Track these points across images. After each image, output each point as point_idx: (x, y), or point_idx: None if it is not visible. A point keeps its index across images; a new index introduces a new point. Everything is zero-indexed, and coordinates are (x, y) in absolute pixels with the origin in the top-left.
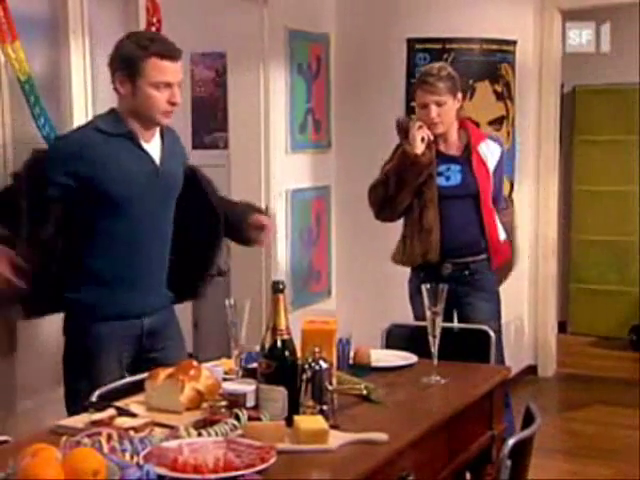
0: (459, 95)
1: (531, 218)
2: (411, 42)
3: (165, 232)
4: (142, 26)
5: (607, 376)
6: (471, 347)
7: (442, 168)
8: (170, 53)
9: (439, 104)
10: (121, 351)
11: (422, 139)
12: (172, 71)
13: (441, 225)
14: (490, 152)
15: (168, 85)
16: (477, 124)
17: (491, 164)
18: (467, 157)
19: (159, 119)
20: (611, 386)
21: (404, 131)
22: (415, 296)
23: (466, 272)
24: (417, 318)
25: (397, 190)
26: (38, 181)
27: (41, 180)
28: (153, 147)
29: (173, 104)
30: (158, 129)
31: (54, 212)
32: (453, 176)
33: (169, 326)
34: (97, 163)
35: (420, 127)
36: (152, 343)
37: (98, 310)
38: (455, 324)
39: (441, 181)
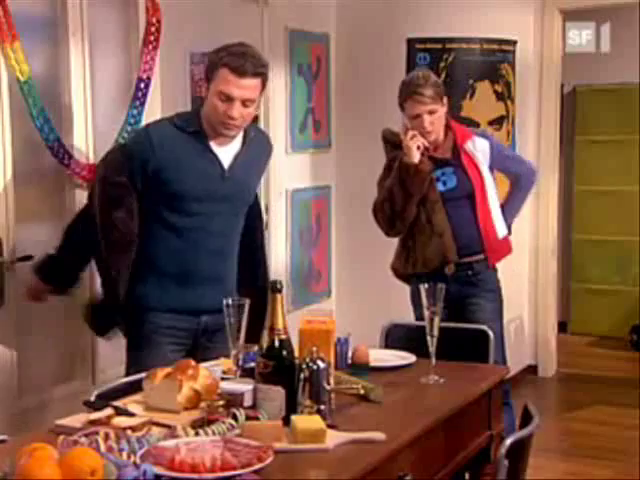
0: (445, 99)
1: (531, 218)
2: (411, 42)
3: (229, 237)
4: (142, 27)
5: (607, 376)
6: (470, 347)
7: (437, 173)
8: (240, 68)
9: (431, 113)
10: (176, 343)
11: (417, 147)
12: (238, 86)
13: None
14: (478, 149)
15: (230, 98)
16: (477, 124)
17: (483, 160)
18: (457, 158)
19: (218, 129)
20: (611, 386)
21: (391, 143)
22: (417, 297)
23: (469, 272)
24: (418, 319)
25: (404, 203)
26: (115, 170)
27: (117, 169)
28: (226, 151)
29: (230, 118)
30: (241, 135)
31: (128, 199)
32: (449, 180)
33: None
34: (166, 157)
35: (413, 136)
36: (207, 340)
37: (152, 301)
38: (455, 324)
39: (439, 186)
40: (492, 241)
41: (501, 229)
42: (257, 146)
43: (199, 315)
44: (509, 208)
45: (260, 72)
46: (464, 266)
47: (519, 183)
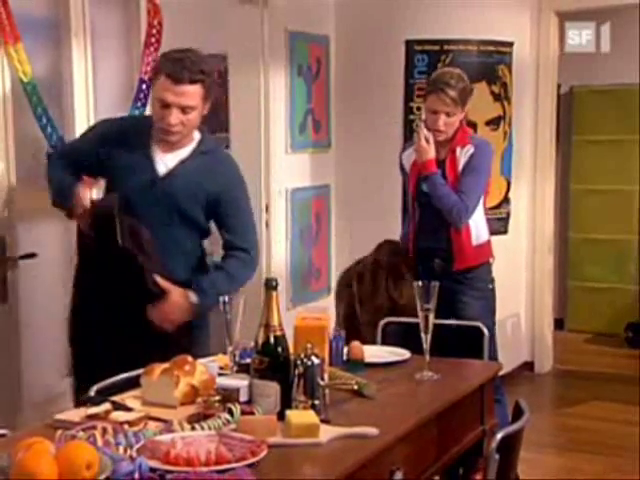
0: (466, 107)
1: (528, 216)
2: (410, 43)
3: (178, 254)
4: (143, 28)
5: (603, 372)
6: (464, 344)
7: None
8: (175, 75)
9: (449, 115)
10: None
11: (427, 140)
12: (174, 92)
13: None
14: (464, 155)
15: (167, 105)
16: (474, 125)
17: (460, 166)
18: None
19: (159, 134)
20: (607, 382)
21: None
22: None
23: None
24: None
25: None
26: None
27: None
28: (168, 158)
29: (168, 124)
30: (192, 146)
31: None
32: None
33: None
34: (106, 154)
35: (426, 138)
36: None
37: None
38: (450, 321)
39: (424, 187)
40: (462, 246)
41: (480, 235)
42: (209, 162)
43: None
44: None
45: (198, 79)
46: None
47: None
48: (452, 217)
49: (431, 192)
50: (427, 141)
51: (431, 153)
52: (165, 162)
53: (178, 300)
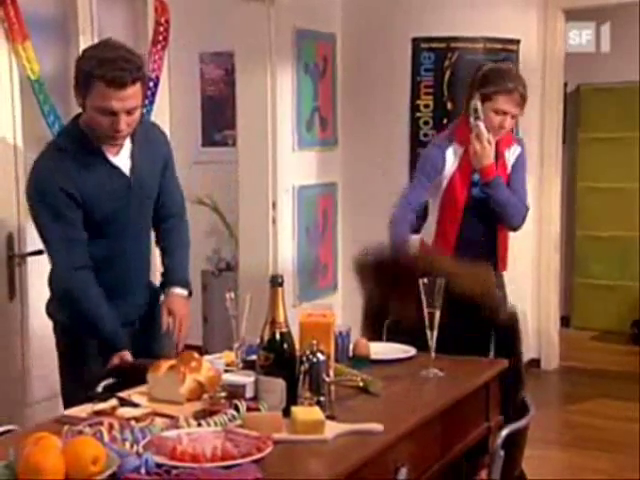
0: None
1: (534, 214)
2: (416, 41)
3: (145, 236)
4: (150, 26)
5: (609, 370)
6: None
7: (476, 177)
8: (117, 80)
9: (514, 116)
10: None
11: (489, 142)
12: (118, 99)
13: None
14: (512, 154)
15: (113, 113)
16: None
17: (509, 166)
18: (495, 162)
19: (106, 141)
20: (613, 379)
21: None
22: None
23: None
24: None
25: None
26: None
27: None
28: (122, 158)
29: (117, 131)
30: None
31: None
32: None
33: (157, 317)
34: (77, 186)
35: (478, 136)
36: (145, 340)
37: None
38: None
39: (475, 191)
40: (505, 249)
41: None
42: (146, 135)
43: (133, 323)
44: None
45: (138, 76)
46: None
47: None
48: (514, 220)
49: (495, 197)
50: (489, 143)
51: (492, 156)
52: (124, 162)
53: (181, 309)
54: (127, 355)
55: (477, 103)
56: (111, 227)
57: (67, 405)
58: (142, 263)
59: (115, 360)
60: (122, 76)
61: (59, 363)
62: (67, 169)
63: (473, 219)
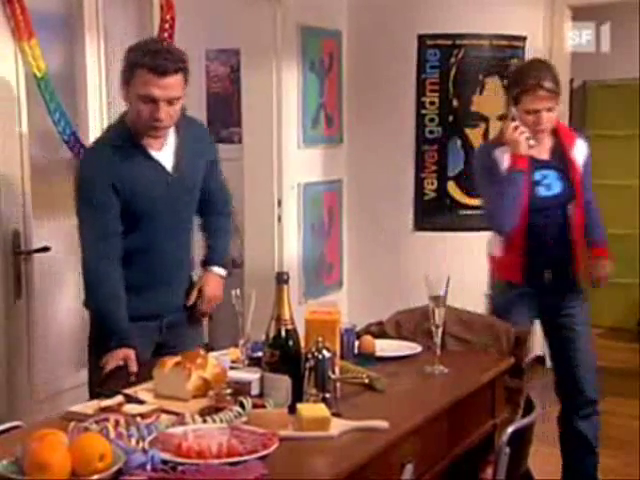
0: (561, 92)
1: None
2: (422, 38)
3: (185, 233)
4: (156, 24)
5: (615, 367)
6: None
7: (538, 176)
8: (159, 67)
9: (550, 110)
10: (141, 346)
11: (526, 139)
12: (159, 86)
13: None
14: (580, 152)
15: (154, 100)
16: (487, 119)
17: (580, 165)
18: (560, 161)
19: (147, 132)
20: (618, 377)
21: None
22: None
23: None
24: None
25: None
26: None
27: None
28: (165, 154)
29: (157, 120)
30: (172, 131)
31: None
32: (553, 184)
33: (185, 323)
34: (120, 179)
35: (516, 128)
36: (169, 339)
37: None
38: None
39: (540, 191)
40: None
41: None
42: (192, 134)
43: (161, 318)
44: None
45: (180, 67)
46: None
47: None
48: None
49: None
50: (528, 140)
51: (525, 147)
52: (168, 158)
53: (215, 288)
54: (131, 354)
55: (512, 108)
56: (149, 221)
57: (92, 397)
58: (180, 258)
59: (120, 355)
60: (164, 64)
61: (87, 353)
62: (109, 162)
63: (542, 222)
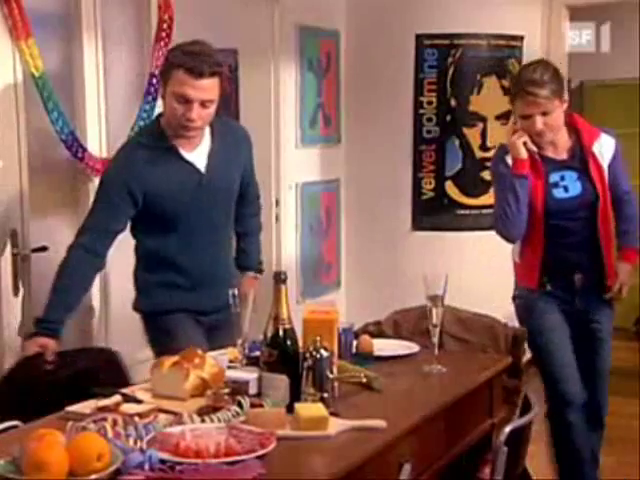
0: (565, 95)
1: None
2: (420, 38)
3: (222, 235)
4: (154, 23)
5: (613, 366)
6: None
7: (555, 177)
8: (195, 69)
9: (545, 113)
10: (196, 338)
11: (524, 143)
12: (194, 87)
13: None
14: (605, 149)
15: (188, 100)
16: (485, 118)
17: (605, 162)
18: (580, 160)
19: (178, 131)
20: (616, 376)
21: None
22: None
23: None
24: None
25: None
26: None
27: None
28: (198, 155)
29: (189, 120)
30: (207, 133)
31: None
32: (571, 185)
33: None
34: (146, 181)
35: (514, 132)
36: (211, 339)
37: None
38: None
39: (558, 193)
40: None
41: None
42: (228, 136)
43: (205, 315)
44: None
45: (216, 71)
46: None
47: (622, 205)
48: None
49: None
50: (525, 144)
51: (523, 152)
52: (201, 159)
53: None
54: (49, 344)
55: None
56: (183, 222)
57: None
58: (218, 258)
59: (38, 342)
60: (201, 67)
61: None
62: (138, 164)
63: (563, 225)
